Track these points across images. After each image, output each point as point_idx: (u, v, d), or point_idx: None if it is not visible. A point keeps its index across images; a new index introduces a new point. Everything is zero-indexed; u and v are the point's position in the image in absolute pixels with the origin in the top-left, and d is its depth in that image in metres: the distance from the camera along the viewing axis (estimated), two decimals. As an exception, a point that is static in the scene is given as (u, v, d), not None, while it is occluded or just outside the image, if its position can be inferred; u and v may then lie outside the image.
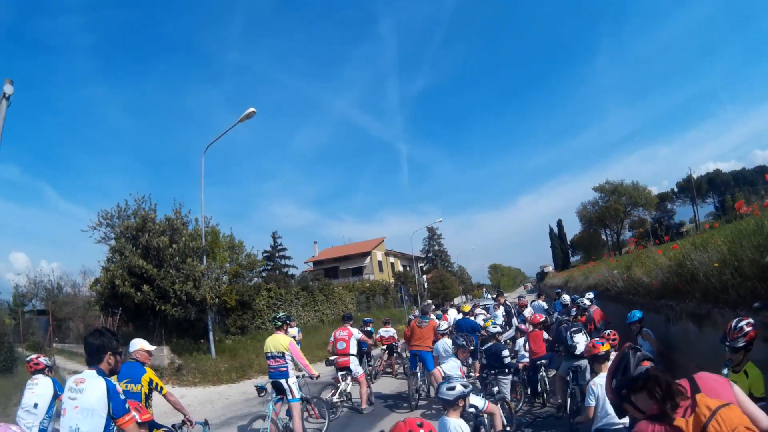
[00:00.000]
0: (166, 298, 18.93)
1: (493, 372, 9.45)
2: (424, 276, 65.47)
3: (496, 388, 8.99)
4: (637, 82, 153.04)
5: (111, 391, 3.81)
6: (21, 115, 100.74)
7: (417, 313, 20.00)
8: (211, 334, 19.85)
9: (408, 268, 63.40)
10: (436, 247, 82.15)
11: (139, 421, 4.44)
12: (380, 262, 60.18)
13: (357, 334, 11.84)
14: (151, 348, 6.83)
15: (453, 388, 4.92)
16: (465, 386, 5.00)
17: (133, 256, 18.85)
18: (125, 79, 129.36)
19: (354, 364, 11.37)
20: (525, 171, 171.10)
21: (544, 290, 41.99)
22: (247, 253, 24.00)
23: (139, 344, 6.67)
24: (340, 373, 11.38)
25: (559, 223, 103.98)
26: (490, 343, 10.21)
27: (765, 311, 5.48)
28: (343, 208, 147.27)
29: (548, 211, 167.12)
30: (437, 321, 12.43)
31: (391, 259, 63.46)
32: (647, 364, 2.43)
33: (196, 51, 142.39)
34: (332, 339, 11.80)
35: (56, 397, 6.47)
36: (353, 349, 11.53)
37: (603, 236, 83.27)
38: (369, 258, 58.20)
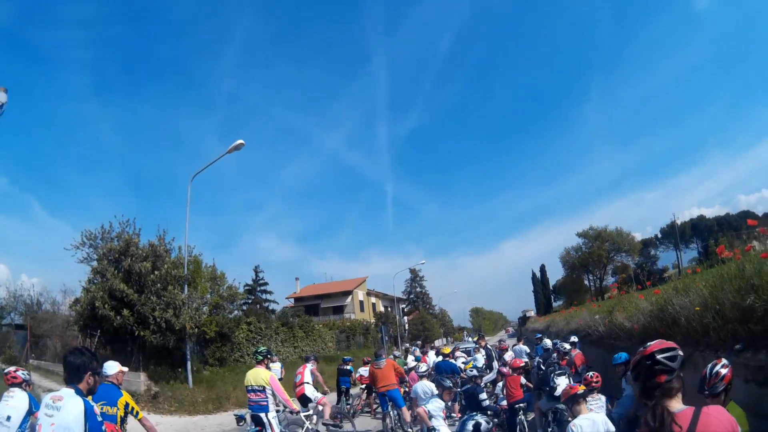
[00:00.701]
0: (145, 324, 18.64)
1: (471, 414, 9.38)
2: (405, 317, 65.17)
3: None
4: (626, 128, 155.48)
5: (89, 412, 3.73)
6: (12, 125, 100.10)
7: (398, 353, 20.00)
8: (189, 363, 19.46)
9: (389, 309, 62.97)
10: (418, 289, 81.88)
11: None
12: (362, 302, 59.67)
13: (310, 366, 12.64)
14: (125, 369, 6.73)
15: (478, 427, 4.86)
16: (488, 422, 4.90)
17: (115, 279, 18.65)
18: (118, 98, 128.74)
19: (309, 390, 11.70)
20: (510, 215, 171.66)
21: (526, 334, 41.79)
22: (229, 285, 23.74)
23: (117, 366, 6.51)
24: (303, 413, 11.18)
25: (542, 268, 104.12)
26: (468, 386, 10.38)
27: (746, 352, 5.49)
28: (327, 246, 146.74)
29: (532, 255, 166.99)
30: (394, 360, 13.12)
31: (373, 299, 62.96)
32: None
33: (191, 76, 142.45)
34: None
35: (31, 413, 6.42)
36: (307, 378, 12.08)
37: (586, 281, 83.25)
38: (350, 297, 57.66)
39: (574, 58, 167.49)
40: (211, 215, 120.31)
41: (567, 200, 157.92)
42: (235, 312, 24.61)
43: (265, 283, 56.44)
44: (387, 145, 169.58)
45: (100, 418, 3.87)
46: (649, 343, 2.51)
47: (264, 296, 55.54)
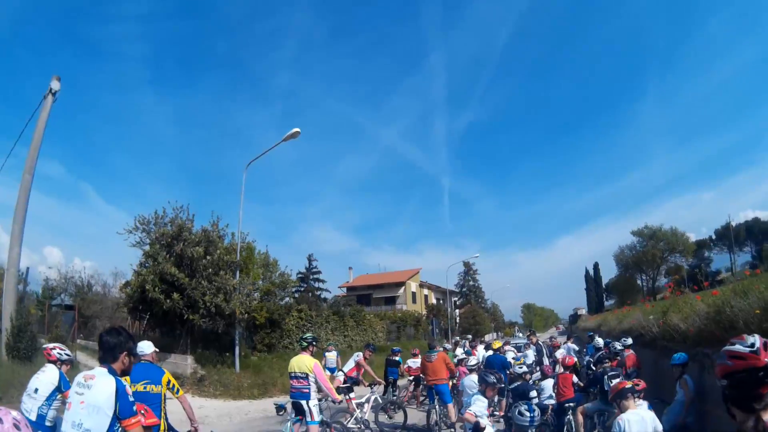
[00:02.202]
0: (195, 308, 18.45)
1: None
2: (457, 310, 64.07)
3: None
4: (683, 126, 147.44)
5: (120, 391, 3.57)
6: (69, 116, 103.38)
7: (448, 346, 19.44)
8: (237, 348, 19.20)
9: (441, 302, 61.78)
10: (471, 283, 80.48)
11: (144, 424, 3.97)
12: (414, 293, 58.76)
13: (355, 357, 13.35)
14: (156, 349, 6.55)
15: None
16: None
17: (166, 263, 18.49)
18: (174, 90, 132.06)
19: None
20: (566, 212, 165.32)
21: (576, 333, 40.26)
22: (281, 272, 23.47)
23: (152, 346, 6.34)
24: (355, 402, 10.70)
25: (596, 266, 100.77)
26: (518, 383, 9.83)
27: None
28: (382, 237, 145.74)
29: (586, 253, 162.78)
30: (445, 352, 12.37)
31: (425, 291, 61.96)
32: None
33: (247, 70, 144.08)
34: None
35: (59, 390, 6.21)
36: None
37: (639, 281, 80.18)
38: (403, 288, 56.98)
39: (631, 54, 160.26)
40: (267, 205, 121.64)
41: (623, 198, 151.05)
42: (286, 299, 24.25)
43: (318, 272, 56.41)
44: (444, 139, 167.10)
45: (131, 398, 3.68)
46: (756, 350, 2.06)
47: (316, 285, 55.55)
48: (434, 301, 61.49)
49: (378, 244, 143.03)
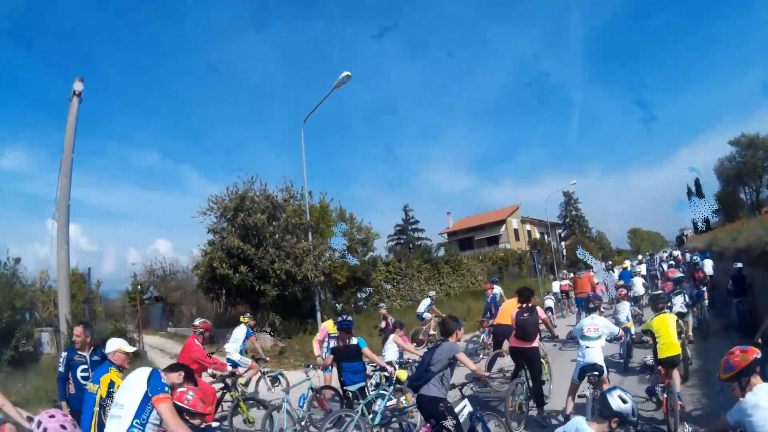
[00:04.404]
0: (265, 279, 16.80)
1: None
2: (563, 243, 60.00)
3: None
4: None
5: (153, 374, 3.69)
6: (156, 99, 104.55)
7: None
8: (318, 314, 17.26)
9: (545, 236, 57.88)
10: (573, 212, 75.48)
11: (192, 409, 3.76)
12: (516, 230, 54.86)
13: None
14: (131, 349, 5.35)
15: (625, 402, 3.62)
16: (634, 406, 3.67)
17: (231, 237, 16.96)
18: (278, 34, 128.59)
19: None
20: (686, 121, 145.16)
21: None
22: (359, 226, 21.31)
23: (117, 345, 5.24)
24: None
25: (697, 182, 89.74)
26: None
27: None
28: (503, 171, 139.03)
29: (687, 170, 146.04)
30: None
31: (528, 227, 57.82)
32: None
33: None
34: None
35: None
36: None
37: (742, 195, 71.70)
38: (504, 226, 53.26)
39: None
40: (387, 152, 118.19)
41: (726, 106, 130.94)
42: (370, 254, 22.06)
43: (416, 221, 54.58)
44: (579, 41, 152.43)
45: (164, 381, 3.72)
46: None
47: (416, 234, 53.66)
48: (537, 236, 57.48)
49: (499, 179, 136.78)
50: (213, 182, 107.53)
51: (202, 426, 3.99)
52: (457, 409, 5.72)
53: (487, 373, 7.39)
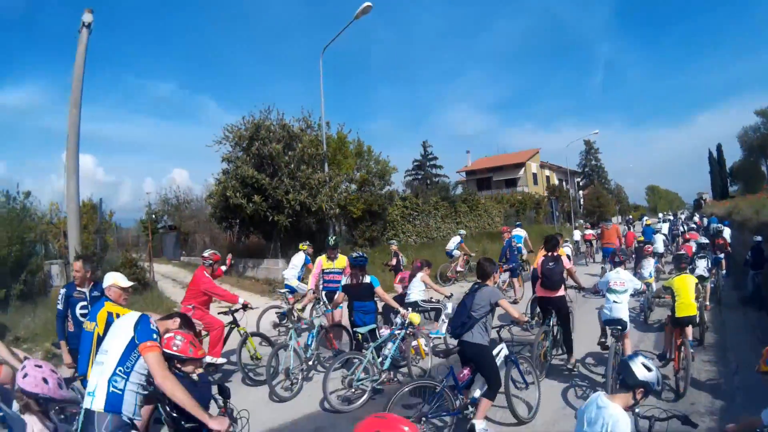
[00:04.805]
0: (279, 209, 16.36)
1: None
2: (581, 192, 58.95)
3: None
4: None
5: (141, 319, 3.42)
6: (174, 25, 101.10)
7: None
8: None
9: (564, 183, 56.69)
10: (594, 162, 73.99)
11: (182, 355, 3.51)
12: (535, 174, 53.63)
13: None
14: (127, 284, 4.83)
15: (650, 370, 3.29)
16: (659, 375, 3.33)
17: (245, 166, 16.44)
18: None
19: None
20: (712, 81, 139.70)
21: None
22: (377, 159, 20.64)
23: (112, 279, 4.79)
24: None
25: (719, 148, 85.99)
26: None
27: None
28: (523, 115, 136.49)
29: (710, 133, 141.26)
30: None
31: (547, 172, 56.61)
32: None
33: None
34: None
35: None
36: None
37: (763, 168, 69.56)
38: (523, 170, 52.02)
39: None
40: (406, 86, 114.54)
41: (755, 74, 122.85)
42: (387, 188, 21.42)
43: (434, 158, 53.72)
44: None
45: (153, 327, 3.45)
46: None
47: (434, 171, 52.80)
48: (556, 182, 56.35)
49: (519, 122, 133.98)
50: (231, 112, 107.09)
51: (196, 372, 3.75)
52: (494, 352, 5.63)
53: (527, 317, 7.15)
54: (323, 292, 8.39)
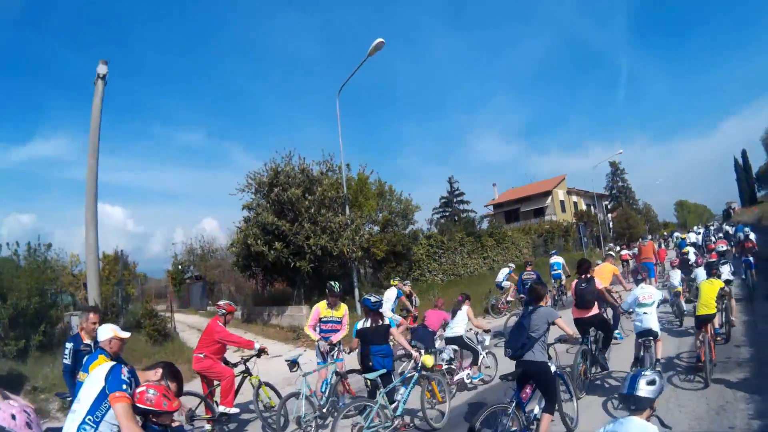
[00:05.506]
0: (301, 255, 16.05)
1: None
2: (609, 215, 57.73)
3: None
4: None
5: (113, 369, 3.43)
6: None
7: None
8: (356, 290, 16.46)
9: (592, 207, 55.46)
10: (620, 183, 72.59)
11: (156, 409, 3.40)
12: (562, 201, 52.54)
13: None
14: (126, 335, 4.72)
15: (654, 383, 3.51)
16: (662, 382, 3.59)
17: (265, 213, 16.28)
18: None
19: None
20: (733, 87, 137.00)
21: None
22: (399, 198, 20.27)
23: (111, 331, 4.65)
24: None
25: (744, 154, 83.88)
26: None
27: None
28: (550, 140, 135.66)
29: (741, 139, 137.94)
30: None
31: (574, 198, 55.48)
32: None
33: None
34: None
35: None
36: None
37: None
38: (550, 197, 51.18)
39: None
40: (433, 121, 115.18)
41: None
42: (410, 227, 21.02)
43: (461, 194, 53.10)
44: (622, 9, 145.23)
45: (124, 377, 3.42)
46: None
47: (461, 207, 52.23)
48: (584, 207, 55.23)
49: (544, 148, 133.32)
50: (257, 158, 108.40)
51: (171, 425, 3.68)
52: None
53: (578, 335, 7.37)
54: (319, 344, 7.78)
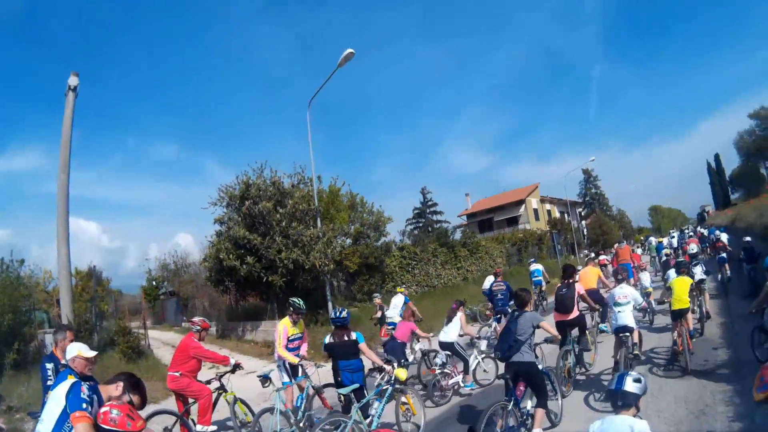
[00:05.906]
0: (273, 269, 15.95)
1: None
2: (583, 222, 58.41)
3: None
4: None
5: (73, 387, 3.42)
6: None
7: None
8: (329, 303, 16.31)
9: (566, 215, 56.10)
10: (593, 190, 73.62)
11: (120, 430, 3.25)
12: (536, 210, 53.13)
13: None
14: (91, 354, 4.50)
15: (639, 381, 3.79)
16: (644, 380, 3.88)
17: (237, 227, 16.17)
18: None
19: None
20: (705, 92, 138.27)
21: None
22: (371, 210, 20.28)
23: (75, 350, 4.46)
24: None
25: (717, 157, 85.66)
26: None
27: None
28: (522, 149, 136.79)
29: (707, 144, 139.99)
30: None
31: (547, 206, 55.95)
32: None
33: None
34: None
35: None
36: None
37: (762, 170, 68.88)
38: (523, 206, 51.66)
39: None
40: (406, 132, 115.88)
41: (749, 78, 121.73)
42: (383, 239, 20.99)
43: (434, 204, 53.33)
44: (594, 17, 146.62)
45: (84, 396, 3.43)
46: None
47: (435, 217, 52.47)
48: (557, 215, 55.82)
49: (517, 157, 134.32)
50: (233, 172, 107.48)
51: None
52: None
53: (559, 336, 7.75)
54: (285, 362, 7.70)
